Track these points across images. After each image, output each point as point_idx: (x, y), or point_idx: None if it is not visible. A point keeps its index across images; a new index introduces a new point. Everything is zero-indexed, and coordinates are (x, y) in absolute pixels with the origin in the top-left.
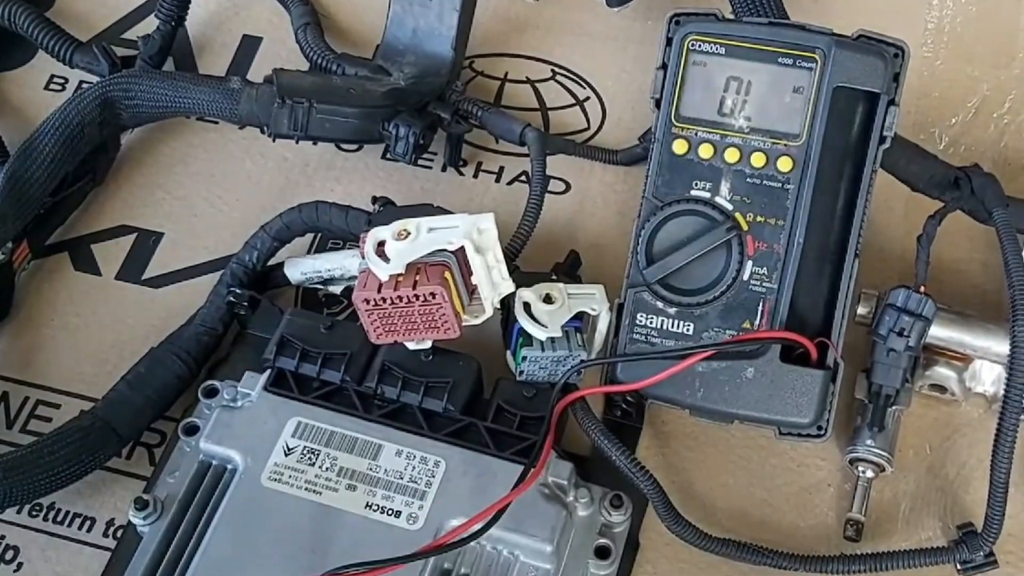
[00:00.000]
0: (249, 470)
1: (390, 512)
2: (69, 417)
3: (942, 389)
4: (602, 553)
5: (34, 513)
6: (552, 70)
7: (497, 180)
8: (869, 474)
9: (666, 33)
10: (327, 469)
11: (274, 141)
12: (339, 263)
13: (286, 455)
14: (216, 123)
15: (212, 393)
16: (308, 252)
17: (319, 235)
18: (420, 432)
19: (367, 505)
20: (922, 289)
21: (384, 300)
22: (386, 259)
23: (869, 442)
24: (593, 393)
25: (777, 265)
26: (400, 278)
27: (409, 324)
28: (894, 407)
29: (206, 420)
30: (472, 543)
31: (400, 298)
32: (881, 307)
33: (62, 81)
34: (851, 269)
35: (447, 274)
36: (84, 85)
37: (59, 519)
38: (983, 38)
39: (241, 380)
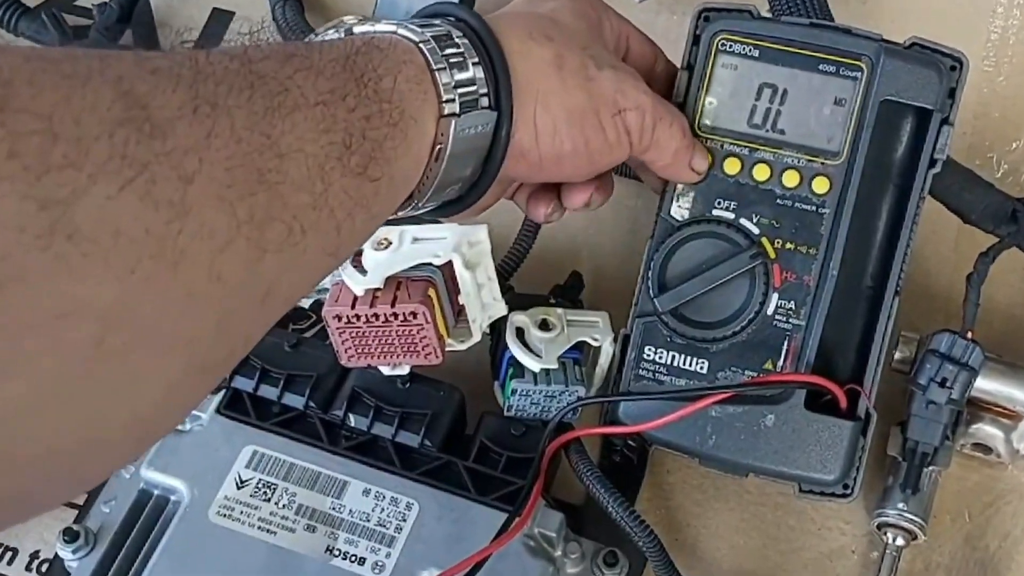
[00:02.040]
0: (195, 503)
1: (353, 559)
2: None
3: (987, 449)
4: None
5: None
6: None
7: None
8: (899, 542)
9: (693, 30)
10: (284, 506)
11: None
12: None
13: (238, 488)
14: None
15: None
16: None
17: None
18: (392, 469)
19: (327, 549)
20: (969, 335)
21: (358, 317)
22: (363, 271)
23: (901, 505)
24: (590, 434)
25: (806, 299)
26: (377, 293)
27: (385, 346)
28: (931, 467)
29: None
30: None
31: (376, 316)
32: (922, 353)
33: None
34: (890, 308)
35: (431, 291)
36: None
37: None
38: None
39: None
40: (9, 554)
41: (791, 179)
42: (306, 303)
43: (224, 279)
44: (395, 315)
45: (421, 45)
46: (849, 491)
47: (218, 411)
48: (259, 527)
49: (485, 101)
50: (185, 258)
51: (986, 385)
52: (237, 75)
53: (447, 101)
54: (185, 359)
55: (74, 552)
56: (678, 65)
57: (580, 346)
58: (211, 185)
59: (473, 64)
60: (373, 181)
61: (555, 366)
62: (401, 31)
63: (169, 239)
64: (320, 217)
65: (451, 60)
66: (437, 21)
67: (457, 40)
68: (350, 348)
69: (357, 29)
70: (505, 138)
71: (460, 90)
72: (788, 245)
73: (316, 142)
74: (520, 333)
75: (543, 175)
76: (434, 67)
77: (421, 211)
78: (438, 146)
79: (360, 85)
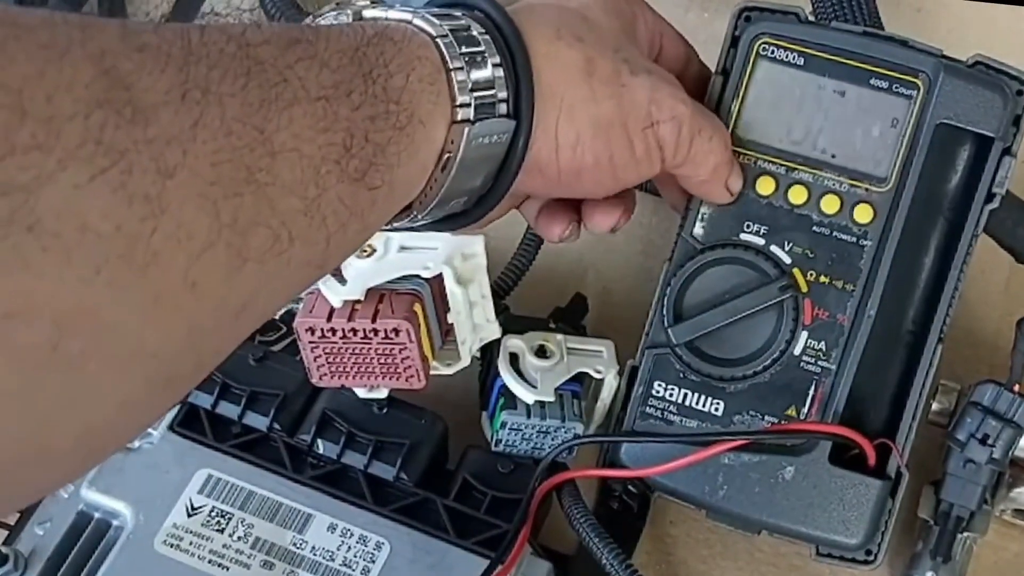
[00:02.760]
0: (140, 529)
1: None
2: None
3: None
4: None
5: None
6: None
7: None
8: None
9: (732, 31)
10: (239, 539)
11: None
12: None
13: (189, 515)
14: None
15: None
16: None
17: None
18: (362, 504)
19: None
20: (1016, 388)
21: (334, 331)
22: (342, 279)
23: (930, 575)
24: (586, 477)
25: (839, 340)
26: (357, 306)
27: (362, 365)
28: (966, 533)
29: None
30: None
31: (354, 331)
32: (963, 405)
33: None
34: (931, 357)
35: (417, 307)
36: None
37: None
38: None
39: None
40: None
41: (831, 205)
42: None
43: (199, 288)
44: (375, 331)
45: (438, 40)
46: (873, 557)
47: (171, 428)
48: (210, 560)
49: (503, 108)
50: (158, 261)
51: None
52: (233, 59)
53: (461, 105)
54: (147, 372)
55: None
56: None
57: (580, 378)
58: (194, 181)
59: (493, 65)
60: (371, 189)
61: (551, 398)
62: (417, 21)
63: (142, 239)
64: (311, 225)
65: (469, 59)
66: (457, 12)
67: (477, 36)
68: (323, 365)
69: (367, 13)
70: (522, 150)
71: (476, 93)
72: (822, 278)
73: (313, 141)
74: (514, 359)
75: (559, 190)
76: (450, 66)
77: (419, 223)
78: (447, 155)
79: (368, 81)
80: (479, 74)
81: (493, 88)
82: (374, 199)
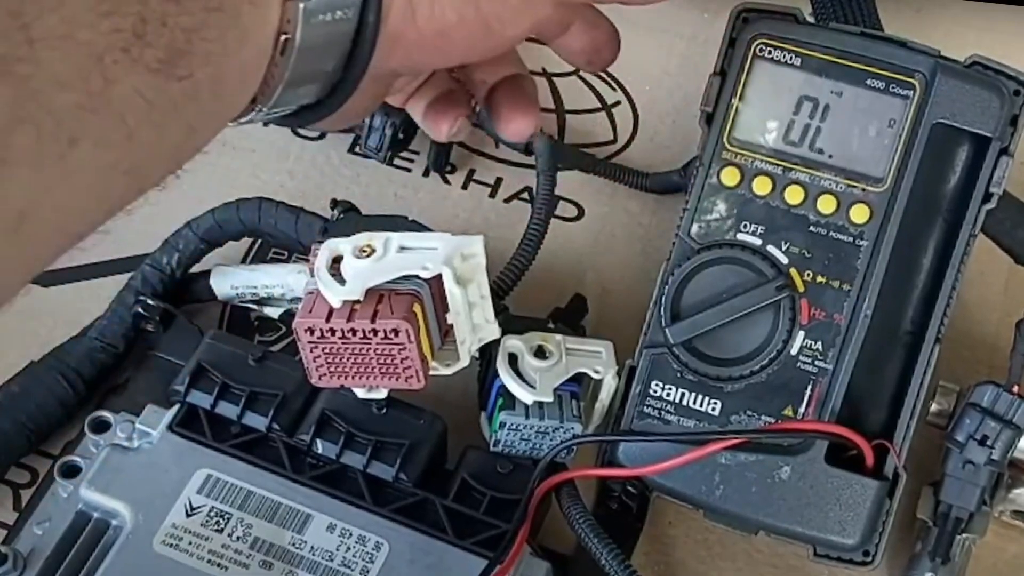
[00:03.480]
0: (139, 529)
1: None
2: None
3: None
4: None
5: None
6: None
7: (492, 195)
8: None
9: (729, 31)
10: (238, 539)
11: None
12: (281, 279)
13: (188, 515)
14: None
15: (102, 427)
16: (243, 261)
17: (259, 241)
18: (361, 504)
19: None
20: (1016, 389)
21: (333, 332)
22: (341, 280)
23: (929, 575)
24: (585, 477)
25: (836, 340)
26: (356, 306)
27: (361, 366)
28: (965, 535)
29: (91, 461)
30: None
31: (353, 331)
32: (961, 406)
33: None
34: (929, 356)
35: (416, 307)
36: None
37: None
38: None
39: (141, 414)
40: None
41: (827, 205)
42: (275, 313)
43: None
44: (375, 331)
45: None
46: (870, 558)
47: (170, 428)
48: (209, 560)
49: None
50: None
51: None
52: None
53: None
54: None
55: None
56: (711, 71)
57: (579, 378)
58: None
59: None
60: (182, 80)
61: (550, 399)
62: None
63: None
64: (101, 123)
65: None
66: None
67: None
68: (322, 366)
69: None
70: (374, 23)
71: None
72: (819, 278)
73: (93, 27)
74: (513, 360)
75: (427, 60)
76: None
77: (271, 117)
78: (284, 35)
79: None
80: None
81: None
82: (192, 92)
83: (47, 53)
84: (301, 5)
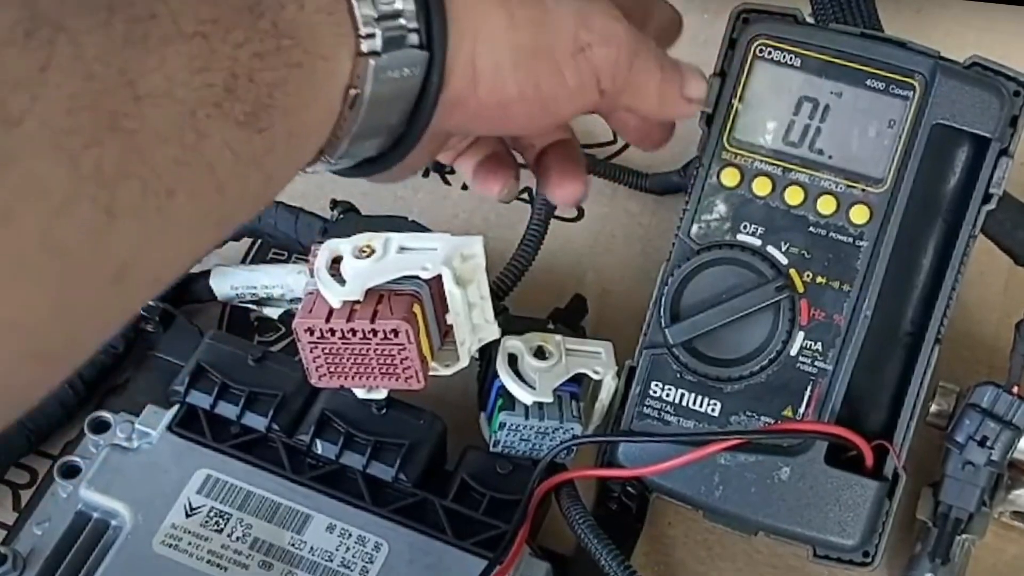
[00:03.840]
0: (138, 529)
1: None
2: None
3: None
4: None
5: None
6: None
7: None
8: None
9: (729, 32)
10: (237, 539)
11: None
12: (280, 279)
13: (187, 516)
14: None
15: (102, 428)
16: (243, 262)
17: (259, 241)
18: (361, 504)
19: None
20: (1015, 389)
21: (332, 332)
22: (341, 280)
23: None
24: (585, 477)
25: (836, 341)
26: (356, 306)
27: (361, 366)
28: (964, 535)
29: (91, 461)
30: None
31: (353, 332)
32: (961, 406)
33: None
34: (929, 357)
35: (416, 308)
36: None
37: None
38: None
39: (141, 415)
40: None
41: (827, 205)
42: (274, 313)
43: (62, 250)
44: (374, 332)
45: None
46: (870, 559)
47: (169, 429)
48: (208, 560)
49: (414, 38)
50: (9, 221)
51: None
52: None
53: (366, 36)
54: (12, 343)
55: None
56: (710, 72)
57: (579, 379)
58: (44, 130)
59: None
60: (263, 132)
61: (550, 399)
62: None
63: None
64: (194, 175)
65: None
66: None
67: None
68: (322, 366)
69: None
70: (437, 84)
71: (384, 23)
72: (819, 279)
73: (188, 84)
74: (513, 360)
75: (484, 126)
76: None
77: (335, 167)
78: (354, 91)
79: (254, 14)
80: (385, 3)
81: (401, 17)
82: (271, 144)
83: (151, 109)
84: (372, 62)
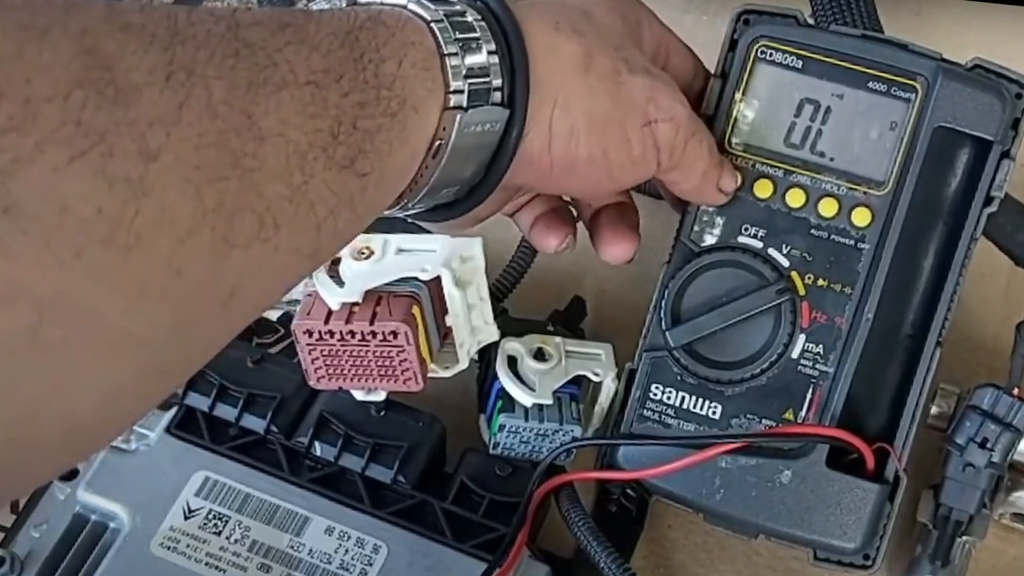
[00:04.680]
0: (137, 532)
1: None
2: None
3: None
4: None
5: None
6: None
7: None
8: None
9: (730, 34)
10: (236, 541)
11: None
12: None
13: (186, 518)
14: None
15: None
16: None
17: None
18: (359, 507)
19: None
20: (1016, 391)
21: (331, 334)
22: (340, 282)
23: None
24: (584, 479)
25: (837, 344)
26: (355, 308)
27: (360, 368)
28: (965, 537)
29: (88, 463)
30: None
31: (352, 333)
32: (962, 408)
33: None
34: (930, 360)
35: (415, 309)
36: None
37: None
38: None
39: None
40: None
41: (828, 208)
42: (273, 315)
43: (184, 273)
44: (373, 334)
45: (433, 24)
46: (870, 562)
47: (168, 430)
48: (207, 563)
49: (497, 96)
50: (140, 246)
51: None
52: (221, 40)
53: (454, 92)
54: (132, 361)
55: None
56: (711, 73)
57: (578, 381)
58: (177, 164)
59: (489, 52)
60: (361, 176)
61: (549, 402)
62: (412, 6)
63: (124, 222)
64: (297, 212)
65: (464, 44)
66: None
67: (472, 22)
68: (320, 368)
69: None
70: (515, 140)
71: (470, 80)
72: (820, 282)
73: (300, 127)
74: (512, 362)
75: (552, 185)
76: (444, 51)
77: (411, 212)
78: (438, 141)
79: (359, 67)
80: (473, 60)
81: (488, 76)
82: (364, 186)
83: (269, 149)
84: (459, 116)
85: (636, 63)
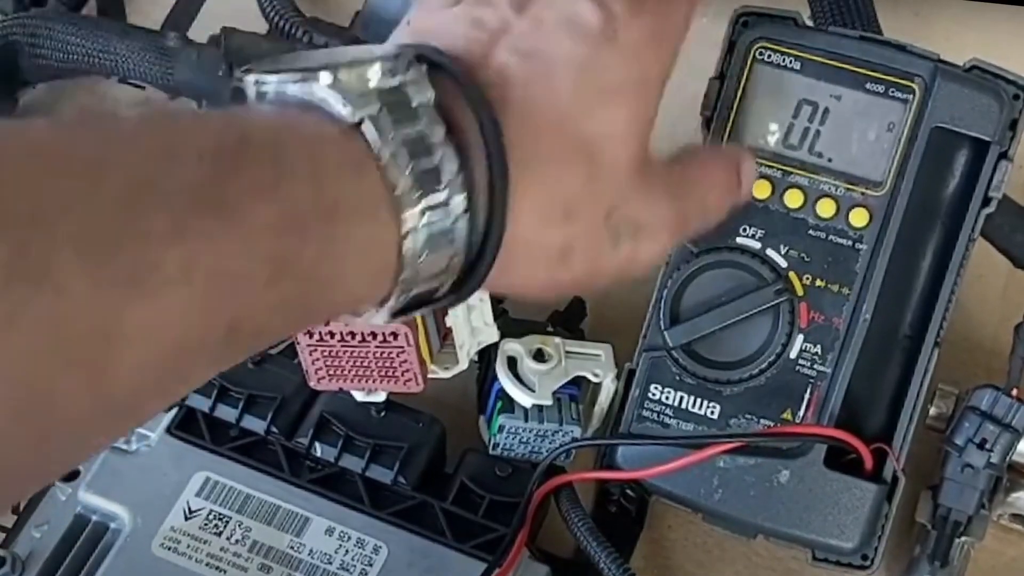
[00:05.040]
0: (137, 532)
1: None
2: None
3: None
4: None
5: None
6: None
7: None
8: None
9: (729, 35)
10: (236, 542)
11: None
12: None
13: (187, 518)
14: (143, 88)
15: None
16: None
17: None
18: (360, 507)
19: None
20: (1015, 392)
21: (332, 335)
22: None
23: None
24: (584, 480)
25: (835, 344)
26: None
27: (360, 368)
28: (963, 538)
29: (89, 464)
30: None
31: (352, 334)
32: (960, 409)
33: None
34: (928, 361)
35: None
36: None
37: None
38: None
39: None
40: None
41: (826, 208)
42: None
43: None
44: (373, 335)
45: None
46: (869, 562)
47: (168, 431)
48: (207, 563)
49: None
50: None
51: None
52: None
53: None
54: None
55: None
56: (709, 75)
57: (578, 381)
58: None
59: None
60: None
61: (549, 402)
62: (367, 132)
63: None
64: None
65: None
66: (434, 152)
67: (453, 223)
68: (321, 369)
69: (291, 91)
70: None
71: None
72: (818, 282)
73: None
74: (512, 363)
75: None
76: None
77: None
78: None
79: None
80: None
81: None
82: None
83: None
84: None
85: (625, 228)
